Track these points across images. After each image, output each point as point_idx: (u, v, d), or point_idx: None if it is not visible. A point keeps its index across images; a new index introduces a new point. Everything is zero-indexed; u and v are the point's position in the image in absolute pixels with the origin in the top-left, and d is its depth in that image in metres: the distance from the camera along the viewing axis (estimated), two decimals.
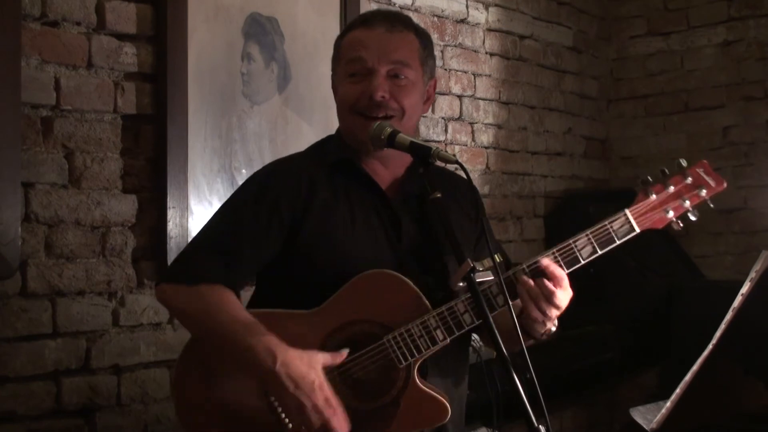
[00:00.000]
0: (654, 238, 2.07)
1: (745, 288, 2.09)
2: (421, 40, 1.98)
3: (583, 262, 1.85)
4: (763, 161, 4.43)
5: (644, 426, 2.11)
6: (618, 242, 1.85)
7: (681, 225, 1.88)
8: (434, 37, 3.70)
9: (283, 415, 1.81)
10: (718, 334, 2.08)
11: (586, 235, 1.84)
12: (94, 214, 2.51)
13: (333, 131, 2.06)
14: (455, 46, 3.83)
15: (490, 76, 4.02)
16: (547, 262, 1.81)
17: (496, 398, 3.04)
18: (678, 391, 2.05)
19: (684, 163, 1.89)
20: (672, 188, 1.87)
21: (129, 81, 2.59)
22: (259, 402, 1.83)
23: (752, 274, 2.09)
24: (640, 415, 2.19)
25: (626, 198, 1.96)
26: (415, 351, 1.82)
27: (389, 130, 1.84)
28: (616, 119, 4.89)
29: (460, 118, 3.85)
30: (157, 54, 2.64)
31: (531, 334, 1.86)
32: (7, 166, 2.27)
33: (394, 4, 3.51)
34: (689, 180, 1.88)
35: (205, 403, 1.87)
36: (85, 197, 2.50)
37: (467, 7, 3.89)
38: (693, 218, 1.88)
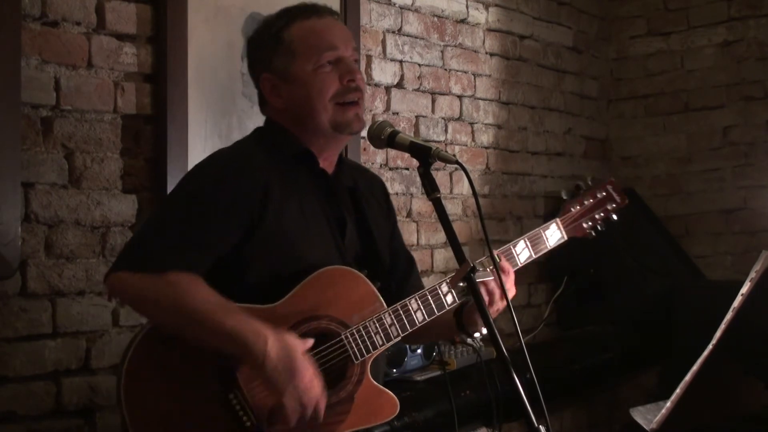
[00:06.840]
0: (654, 238, 2.13)
1: (745, 288, 2.10)
2: None
3: (520, 265, 2.06)
4: (763, 161, 4.43)
5: (644, 426, 2.12)
6: (549, 248, 2.10)
7: (594, 234, 2.18)
8: (434, 37, 3.70)
9: (241, 413, 1.78)
10: (718, 334, 2.08)
11: (524, 240, 2.06)
12: (94, 214, 2.51)
13: None
14: (455, 46, 3.83)
15: (490, 76, 4.02)
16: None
17: (496, 398, 3.05)
18: (678, 391, 2.06)
19: (594, 180, 2.22)
20: (589, 201, 2.16)
21: (129, 81, 2.59)
22: (215, 404, 1.79)
23: (752, 274, 2.10)
24: (640, 415, 2.19)
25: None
26: (371, 347, 1.86)
27: (389, 130, 1.86)
28: (616, 119, 4.89)
29: (460, 118, 3.85)
30: (157, 54, 2.64)
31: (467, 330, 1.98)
32: (7, 166, 2.27)
33: (395, 4, 3.51)
34: (601, 194, 2.18)
35: (159, 411, 1.79)
36: (85, 197, 2.50)
37: (467, 7, 3.89)
38: (601, 230, 2.18)
